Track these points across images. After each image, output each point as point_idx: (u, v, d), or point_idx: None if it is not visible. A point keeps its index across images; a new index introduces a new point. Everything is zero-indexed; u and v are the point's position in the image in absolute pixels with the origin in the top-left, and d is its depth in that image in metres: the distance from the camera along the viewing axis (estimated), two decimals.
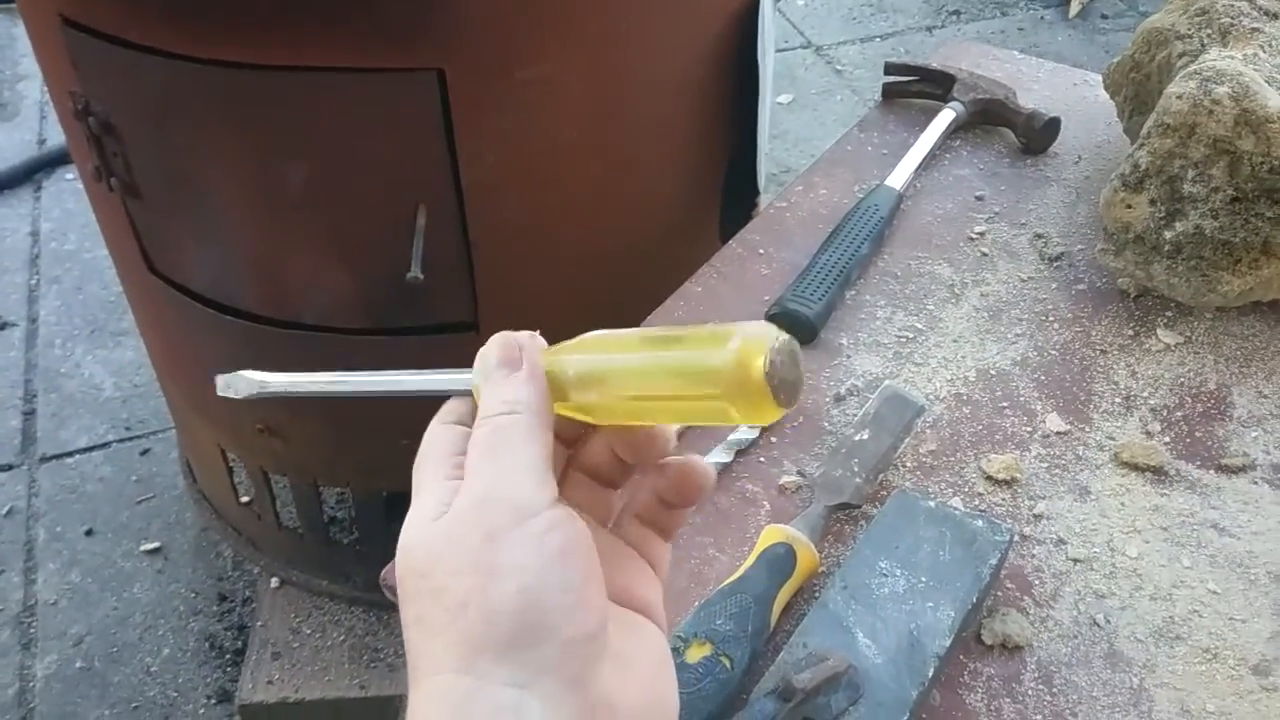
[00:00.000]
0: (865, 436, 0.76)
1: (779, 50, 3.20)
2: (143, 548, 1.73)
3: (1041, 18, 3.34)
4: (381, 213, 1.08)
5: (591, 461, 0.42)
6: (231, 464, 1.46)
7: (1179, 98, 0.81)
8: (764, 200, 1.35)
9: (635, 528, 0.43)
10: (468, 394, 0.42)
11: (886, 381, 0.83)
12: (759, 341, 0.34)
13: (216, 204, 1.11)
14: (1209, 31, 0.87)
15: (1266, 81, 0.81)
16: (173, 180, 1.14)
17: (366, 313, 1.15)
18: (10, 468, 1.89)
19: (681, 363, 0.36)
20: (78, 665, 1.59)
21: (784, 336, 0.34)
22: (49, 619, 1.65)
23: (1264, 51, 0.83)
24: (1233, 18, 0.86)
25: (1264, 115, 0.79)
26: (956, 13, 3.40)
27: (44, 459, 1.90)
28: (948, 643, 0.62)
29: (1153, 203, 0.84)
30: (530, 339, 0.41)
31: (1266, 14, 0.86)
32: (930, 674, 0.61)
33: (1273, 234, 0.82)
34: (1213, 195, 0.82)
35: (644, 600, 0.41)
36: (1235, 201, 0.82)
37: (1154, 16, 0.97)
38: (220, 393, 0.48)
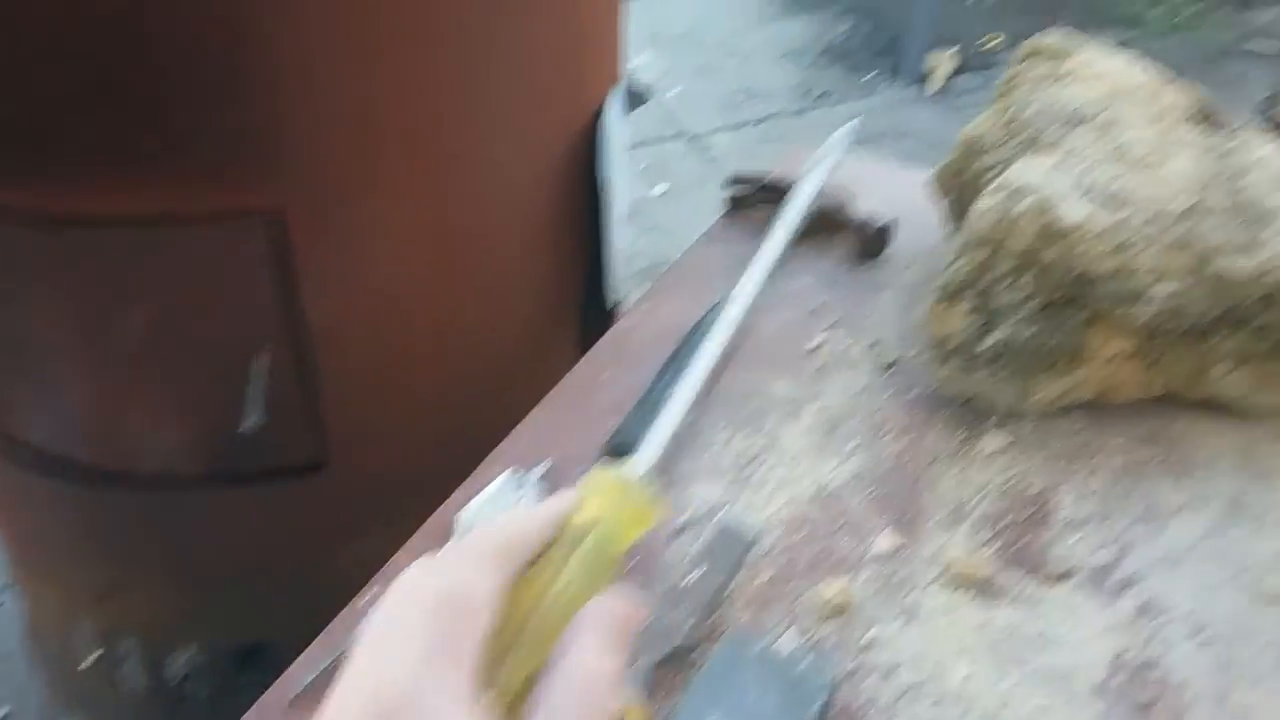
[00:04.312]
0: (697, 575, 0.76)
1: (654, 142, 3.27)
2: None
3: (903, 97, 3.48)
4: (222, 358, 1.05)
5: None
6: (73, 625, 1.39)
7: (984, 213, 0.84)
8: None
9: None
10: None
11: (720, 514, 0.83)
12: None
13: (44, 359, 1.08)
14: (1016, 142, 0.91)
15: (1071, 188, 0.85)
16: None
17: (208, 460, 1.12)
18: None
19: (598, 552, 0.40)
20: None
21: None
22: None
23: (1066, 161, 0.87)
24: (1038, 128, 0.90)
25: (1063, 228, 0.82)
26: (825, 94, 3.52)
27: None
28: None
29: (969, 313, 0.87)
30: None
31: (1068, 123, 0.89)
32: None
33: (1083, 338, 0.85)
34: (1024, 304, 0.85)
35: None
36: (1046, 309, 0.85)
37: (972, 123, 1.01)
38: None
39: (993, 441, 0.90)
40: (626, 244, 1.38)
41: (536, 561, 0.40)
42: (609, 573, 0.40)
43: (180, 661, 1.40)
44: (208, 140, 0.93)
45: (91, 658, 1.40)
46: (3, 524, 1.37)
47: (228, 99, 0.91)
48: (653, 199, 3.01)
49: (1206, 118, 0.96)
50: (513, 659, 0.37)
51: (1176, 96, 0.96)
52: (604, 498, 0.40)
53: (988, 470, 0.88)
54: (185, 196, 0.96)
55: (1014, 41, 1.01)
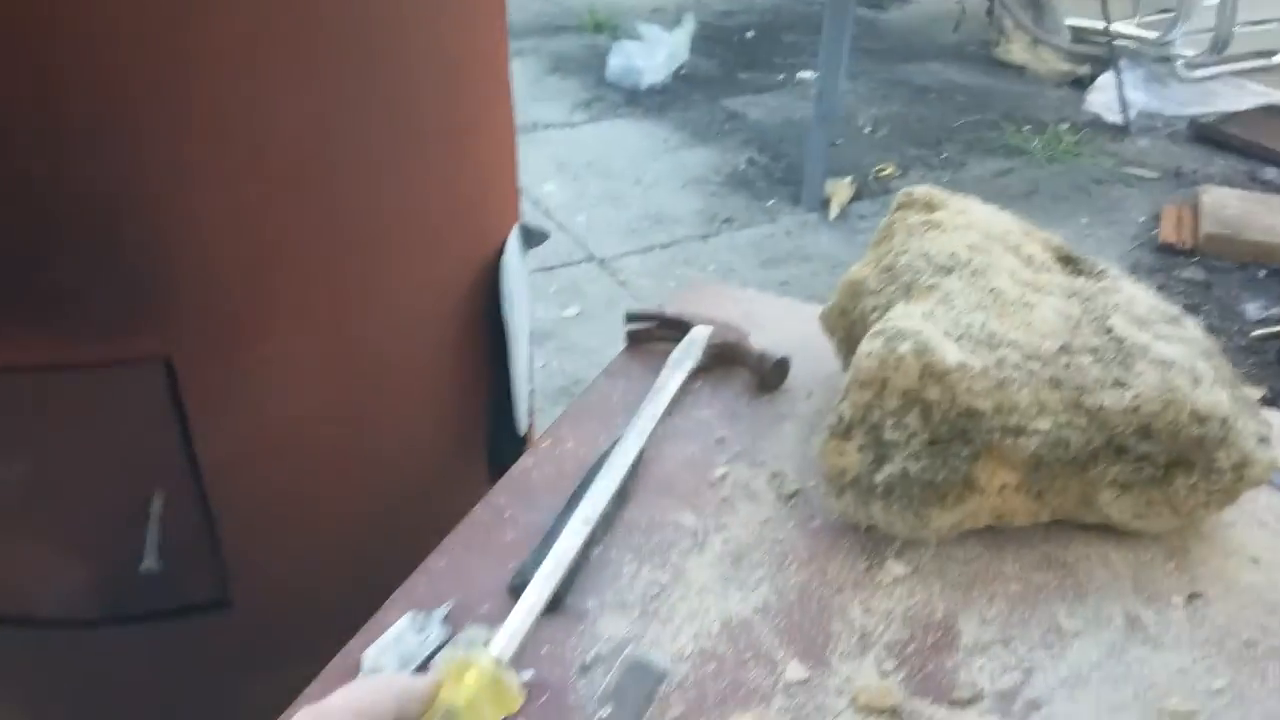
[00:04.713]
0: (607, 714, 0.76)
1: (564, 265, 3.32)
2: None
3: (805, 222, 3.61)
4: (117, 500, 1.03)
5: None
6: None
7: (868, 355, 0.87)
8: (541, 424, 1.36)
9: None
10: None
11: (630, 647, 0.83)
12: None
13: None
14: (894, 288, 0.96)
15: (946, 332, 0.89)
16: None
17: (108, 601, 1.08)
18: None
19: None
20: None
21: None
22: None
23: (940, 305, 0.92)
24: (913, 275, 0.95)
25: (944, 369, 0.86)
26: (729, 220, 3.63)
27: None
28: None
29: (861, 449, 0.90)
30: None
31: (941, 269, 0.95)
32: None
33: (970, 470, 0.89)
34: (912, 440, 0.88)
35: None
36: (933, 444, 0.89)
37: (853, 268, 1.06)
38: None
39: (894, 569, 0.93)
40: (539, 363, 1.39)
41: None
42: None
43: None
44: (94, 292, 0.93)
45: None
46: None
47: (112, 252, 0.92)
48: (566, 320, 3.05)
49: (1070, 262, 1.03)
50: None
51: (1041, 243, 1.02)
52: (468, 680, 0.41)
53: (891, 598, 0.90)
54: (72, 346, 0.95)
55: (906, 170, 1.08)
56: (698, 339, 1.17)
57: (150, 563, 0.98)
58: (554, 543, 0.91)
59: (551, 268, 3.29)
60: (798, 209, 3.69)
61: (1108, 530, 0.96)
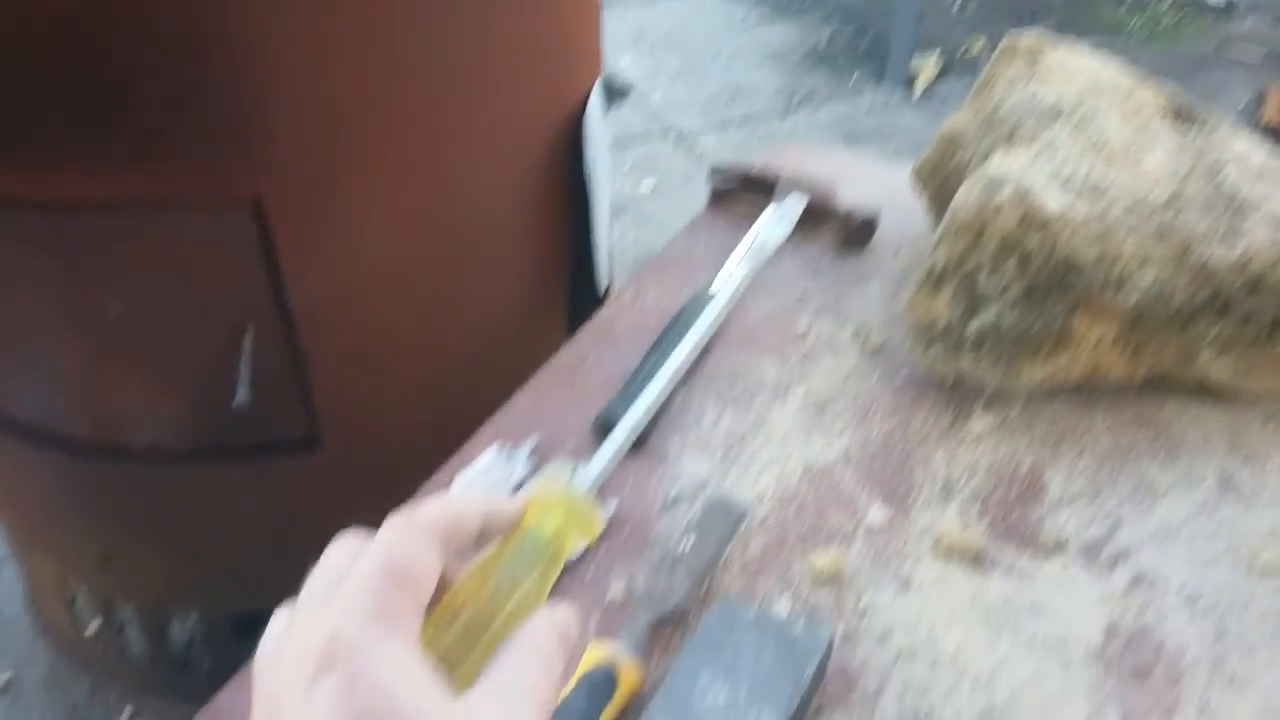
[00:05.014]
0: (690, 544, 0.77)
1: (639, 140, 3.28)
2: None
3: (888, 100, 3.50)
4: (208, 338, 1.06)
5: None
6: (73, 594, 1.39)
7: (965, 202, 0.85)
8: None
9: None
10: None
11: (710, 486, 0.84)
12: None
13: (36, 338, 1.08)
14: (994, 138, 0.92)
15: (1050, 179, 0.86)
16: None
17: (199, 437, 1.12)
18: None
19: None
20: None
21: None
22: None
23: (1044, 153, 0.88)
24: (1015, 122, 0.91)
25: (1045, 215, 0.83)
26: (809, 97, 3.54)
27: None
28: None
29: (953, 299, 0.88)
30: None
31: (1045, 117, 0.91)
32: None
33: (1067, 323, 0.87)
34: (1007, 290, 0.86)
35: None
36: (1029, 294, 0.86)
37: (950, 119, 1.02)
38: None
39: (980, 423, 0.92)
40: (615, 235, 1.39)
41: (483, 555, 0.41)
42: (553, 577, 0.41)
43: (181, 630, 1.40)
44: (183, 127, 0.93)
45: (94, 626, 1.40)
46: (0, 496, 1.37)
47: (202, 86, 0.92)
48: (641, 195, 3.02)
49: (1180, 114, 0.98)
50: (452, 643, 0.37)
51: (1151, 94, 0.98)
52: (551, 504, 0.42)
53: (976, 450, 0.89)
54: (163, 182, 0.97)
55: (996, 47, 1.03)
56: (793, 209, 1.14)
57: (242, 397, 1.00)
58: (638, 387, 0.91)
59: (627, 142, 3.24)
60: (881, 86, 3.58)
61: (1204, 391, 0.94)
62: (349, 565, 0.37)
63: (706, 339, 0.98)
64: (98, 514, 1.22)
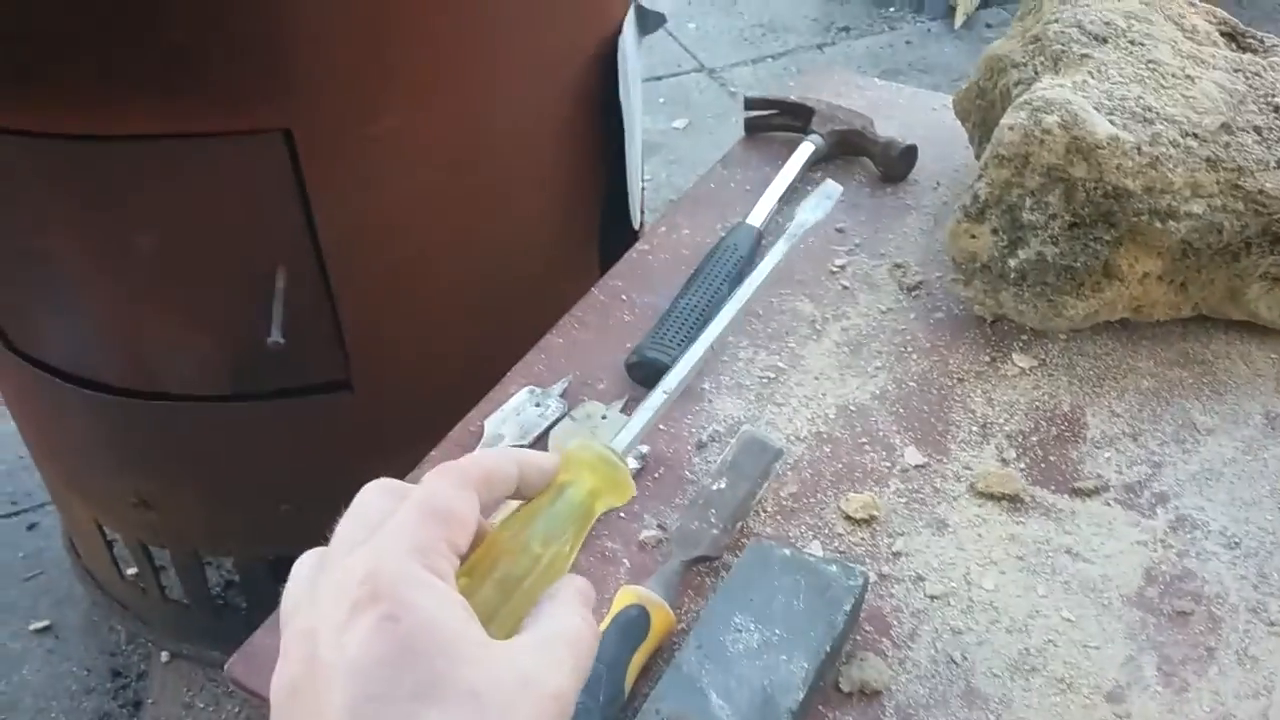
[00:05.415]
0: (723, 485, 0.76)
1: (673, 75, 3.22)
2: (31, 627, 1.67)
3: (929, 30, 3.41)
4: (240, 277, 1.05)
5: None
6: (111, 538, 1.41)
7: (1011, 128, 0.82)
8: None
9: None
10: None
11: (745, 426, 0.83)
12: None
13: (69, 277, 1.08)
14: (1042, 59, 0.89)
15: (1096, 107, 0.83)
16: (22, 255, 1.10)
17: (233, 379, 1.12)
18: None
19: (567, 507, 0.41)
20: None
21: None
22: None
23: (1093, 77, 0.85)
24: (1063, 45, 0.88)
25: (1093, 142, 0.80)
26: (846, 29, 3.45)
27: None
28: (800, 696, 0.62)
29: (995, 232, 0.86)
30: None
31: (1095, 39, 0.87)
32: None
33: (1111, 256, 0.84)
34: (1051, 222, 0.83)
35: None
36: (1073, 227, 0.84)
37: (995, 43, 0.99)
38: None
39: (1019, 362, 0.90)
40: (646, 175, 1.36)
41: (511, 509, 0.41)
42: (583, 537, 0.41)
43: (218, 575, 1.43)
44: (212, 56, 0.92)
45: (131, 571, 1.42)
46: (36, 439, 1.39)
47: (228, 20, 0.90)
48: (674, 132, 2.98)
49: (1235, 37, 0.94)
50: (487, 594, 0.37)
51: (1204, 15, 0.93)
52: (586, 465, 0.42)
53: (1015, 390, 0.87)
54: (194, 116, 0.95)
55: None
56: (819, 125, 1.11)
57: (276, 336, 1.00)
58: (672, 327, 0.90)
59: (660, 77, 3.19)
60: (920, 16, 3.48)
61: (1251, 327, 0.91)
62: (384, 509, 0.37)
63: (740, 275, 0.96)
64: (133, 457, 1.23)
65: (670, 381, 0.49)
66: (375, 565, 0.35)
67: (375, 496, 0.39)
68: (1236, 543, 0.75)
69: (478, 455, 0.40)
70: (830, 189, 0.62)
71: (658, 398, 0.48)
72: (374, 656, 0.32)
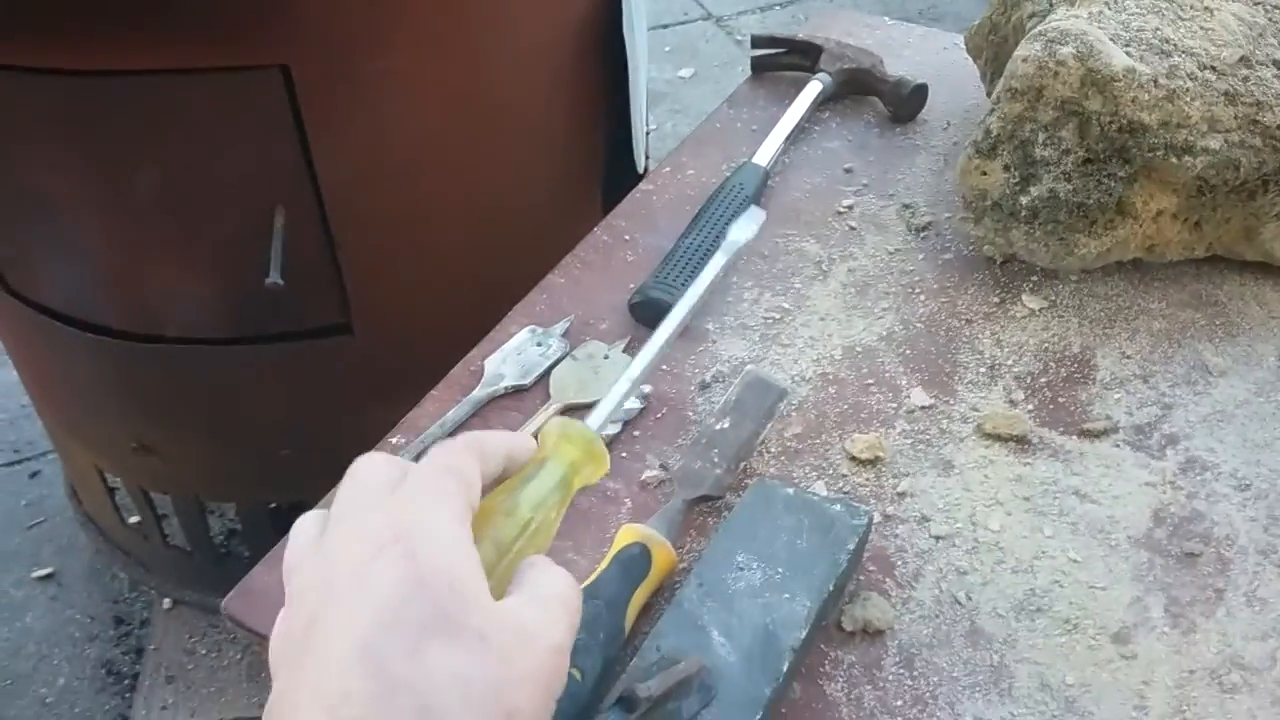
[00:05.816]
0: (726, 425, 0.75)
1: (679, 23, 3.18)
2: (34, 574, 1.67)
3: None
4: (238, 216, 1.03)
5: None
6: (112, 484, 1.41)
7: (1024, 60, 0.80)
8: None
9: None
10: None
11: (749, 367, 0.81)
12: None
13: (65, 217, 1.06)
14: None
15: (1112, 39, 0.81)
16: (18, 196, 1.08)
17: (232, 322, 1.11)
18: None
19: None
20: None
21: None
22: None
23: (1109, 8, 0.82)
24: None
25: (1109, 74, 0.78)
26: None
27: None
28: (803, 634, 0.61)
29: (1007, 168, 0.84)
30: None
31: None
32: (785, 669, 0.60)
33: (1125, 194, 0.82)
34: (1064, 158, 0.81)
35: None
36: (1087, 163, 0.82)
37: None
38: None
39: (1029, 303, 0.88)
40: (651, 124, 1.34)
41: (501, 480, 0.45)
42: (566, 505, 0.45)
43: (220, 522, 1.43)
44: None
45: (133, 519, 1.42)
46: (36, 385, 1.38)
47: None
48: (680, 81, 2.94)
49: None
50: (485, 549, 0.40)
51: None
52: (566, 440, 0.46)
53: (1024, 331, 0.86)
54: (193, 52, 0.93)
55: None
56: (828, 64, 1.09)
57: (275, 277, 0.99)
58: (674, 268, 0.88)
59: (666, 25, 3.14)
60: None
61: (1266, 269, 0.89)
62: (391, 475, 0.40)
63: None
64: (133, 402, 1.22)
65: (683, 307, 0.56)
66: (396, 513, 0.37)
67: (379, 465, 0.41)
68: (1247, 485, 0.74)
69: (471, 433, 0.44)
70: (756, 214, 0.63)
71: (666, 329, 0.54)
72: (390, 587, 0.35)
